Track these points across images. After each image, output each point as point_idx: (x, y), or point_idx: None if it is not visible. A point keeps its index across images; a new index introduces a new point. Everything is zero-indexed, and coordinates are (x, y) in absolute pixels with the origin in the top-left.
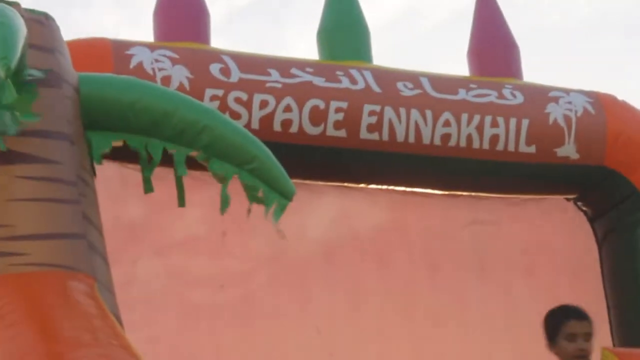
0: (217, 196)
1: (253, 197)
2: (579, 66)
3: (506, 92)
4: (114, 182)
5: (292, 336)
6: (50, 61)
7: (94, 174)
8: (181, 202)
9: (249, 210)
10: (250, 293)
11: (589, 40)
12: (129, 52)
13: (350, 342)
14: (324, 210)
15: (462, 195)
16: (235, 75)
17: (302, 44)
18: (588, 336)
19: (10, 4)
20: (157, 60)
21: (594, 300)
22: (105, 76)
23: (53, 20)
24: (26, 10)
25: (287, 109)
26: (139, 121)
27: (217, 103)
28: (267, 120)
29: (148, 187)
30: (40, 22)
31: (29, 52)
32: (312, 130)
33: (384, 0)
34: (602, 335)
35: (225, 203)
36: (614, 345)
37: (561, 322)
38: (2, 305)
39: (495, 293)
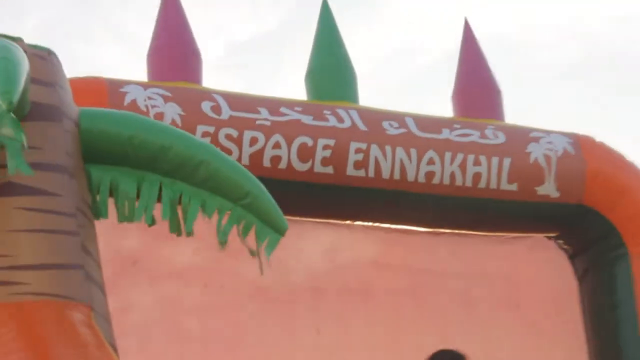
0: (211, 228)
1: (245, 234)
2: (562, 108)
3: (488, 132)
4: (113, 213)
5: None
6: (52, 95)
7: (98, 210)
8: (173, 228)
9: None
10: (240, 322)
11: (574, 83)
12: (123, 90)
13: None
14: (311, 245)
15: (445, 232)
16: (226, 113)
17: (300, 76)
18: None
19: (13, 39)
20: (150, 98)
21: (574, 334)
22: (104, 111)
23: (55, 55)
24: (29, 45)
25: (276, 145)
26: (137, 155)
27: (208, 139)
28: (256, 156)
29: (121, 217)
30: (43, 57)
31: (30, 86)
32: (300, 166)
33: (382, 38)
34: None
35: (223, 236)
36: None
37: None
38: (3, 334)
39: (480, 327)
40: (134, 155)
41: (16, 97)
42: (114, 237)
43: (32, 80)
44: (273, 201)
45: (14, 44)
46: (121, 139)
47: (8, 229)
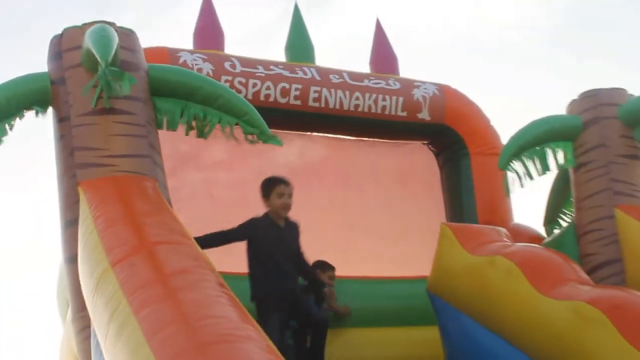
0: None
1: (246, 137)
2: (435, 67)
3: (390, 82)
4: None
5: None
6: (132, 56)
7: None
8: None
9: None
10: (247, 192)
11: (442, 53)
12: (178, 55)
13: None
14: (289, 148)
15: (364, 140)
16: (239, 68)
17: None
18: (291, 196)
19: (109, 23)
20: (194, 60)
21: (438, 202)
22: (163, 65)
23: (134, 33)
24: (119, 27)
25: (268, 88)
26: (181, 91)
27: (228, 84)
28: (256, 94)
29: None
30: (127, 34)
31: (120, 51)
32: (281, 100)
33: (334, 29)
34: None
35: (230, 136)
36: None
37: (275, 184)
38: (105, 193)
39: (382, 198)
40: (179, 92)
41: (110, 58)
42: (174, 141)
43: (121, 47)
44: (262, 118)
45: (109, 26)
46: (172, 81)
47: (109, 134)
